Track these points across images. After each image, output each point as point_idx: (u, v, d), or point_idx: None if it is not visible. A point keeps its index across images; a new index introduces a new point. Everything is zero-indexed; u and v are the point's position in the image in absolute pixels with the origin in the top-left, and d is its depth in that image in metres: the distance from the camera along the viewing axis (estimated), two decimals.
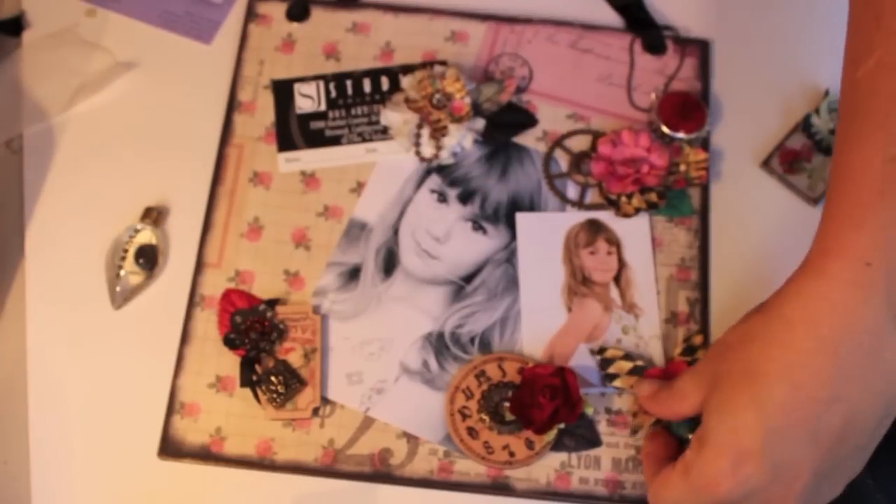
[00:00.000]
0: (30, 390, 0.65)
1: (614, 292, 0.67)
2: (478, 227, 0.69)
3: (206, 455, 0.63)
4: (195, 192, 0.70)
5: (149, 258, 0.67)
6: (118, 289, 0.67)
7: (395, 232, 0.69)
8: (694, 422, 0.63)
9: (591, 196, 0.70)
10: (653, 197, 0.68)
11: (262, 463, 0.63)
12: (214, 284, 0.67)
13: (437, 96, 0.69)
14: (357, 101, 0.73)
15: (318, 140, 0.71)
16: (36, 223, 0.69)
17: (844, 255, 0.51)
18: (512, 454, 0.63)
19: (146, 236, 0.68)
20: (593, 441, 0.64)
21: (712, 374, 0.55)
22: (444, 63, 0.73)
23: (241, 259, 0.68)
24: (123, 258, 0.67)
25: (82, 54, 0.73)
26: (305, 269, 0.68)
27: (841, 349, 0.50)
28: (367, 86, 0.73)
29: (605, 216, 0.69)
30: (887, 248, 0.50)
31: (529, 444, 0.63)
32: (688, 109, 0.71)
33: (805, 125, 0.71)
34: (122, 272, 0.67)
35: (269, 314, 0.65)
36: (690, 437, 0.63)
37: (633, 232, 0.69)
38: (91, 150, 0.71)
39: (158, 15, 0.75)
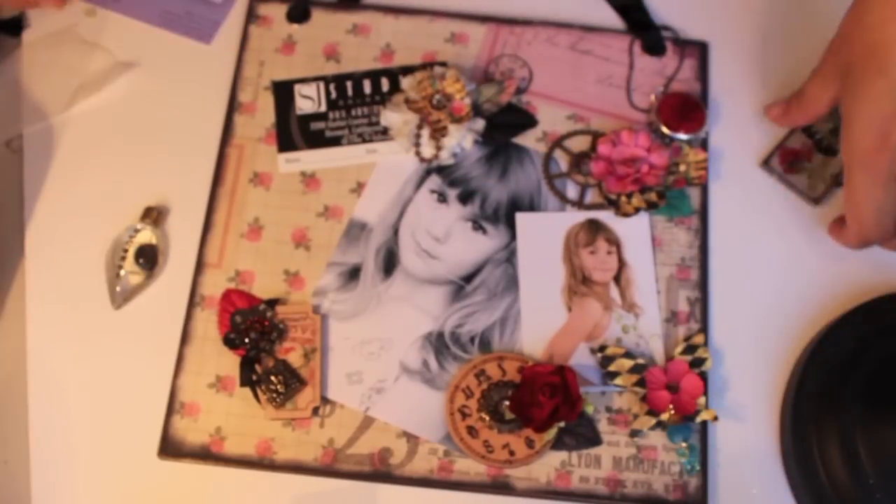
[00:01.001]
0: (30, 390, 0.65)
1: (614, 292, 0.67)
2: (478, 227, 0.69)
3: (206, 455, 0.63)
4: (195, 192, 0.70)
5: (149, 258, 0.67)
6: (118, 289, 0.67)
7: (395, 232, 0.69)
8: (688, 429, 0.64)
9: (591, 196, 0.70)
10: (652, 196, 0.68)
11: (261, 463, 0.63)
12: (214, 284, 0.67)
13: (437, 97, 0.69)
14: (357, 101, 0.73)
15: (318, 141, 0.71)
16: (36, 223, 0.69)
17: None
18: (512, 453, 0.63)
19: (146, 236, 0.68)
20: (593, 440, 0.64)
21: (837, 67, 0.59)
22: (444, 64, 0.73)
23: (241, 259, 0.68)
24: (123, 258, 0.67)
25: (82, 54, 0.73)
26: (305, 269, 0.68)
27: None
28: (367, 87, 0.73)
29: (605, 216, 0.69)
30: None
31: (529, 443, 0.63)
32: (687, 110, 0.71)
33: (805, 125, 0.71)
34: (122, 272, 0.67)
35: (269, 314, 0.65)
36: (684, 444, 0.63)
37: (633, 231, 0.69)
38: (91, 150, 0.71)
39: (158, 15, 0.75)
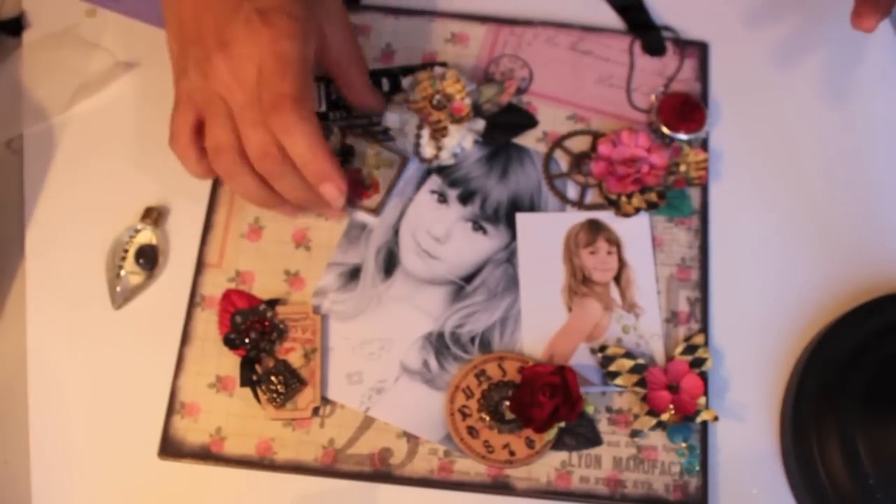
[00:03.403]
0: (30, 390, 0.65)
1: (615, 292, 0.67)
2: (478, 227, 0.69)
3: (206, 455, 0.63)
4: (196, 192, 0.70)
5: (149, 258, 0.67)
6: (118, 289, 0.67)
7: (396, 232, 0.69)
8: (689, 429, 0.64)
9: (591, 196, 0.70)
10: (653, 197, 0.68)
11: (262, 463, 0.63)
12: (215, 284, 0.67)
13: (438, 97, 0.69)
14: None
15: None
16: (36, 223, 0.69)
17: None
18: (512, 453, 0.63)
19: (146, 236, 0.68)
20: (594, 440, 0.64)
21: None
22: (444, 64, 0.73)
23: (241, 259, 0.68)
24: (123, 258, 0.67)
25: (82, 54, 0.73)
26: (306, 269, 0.68)
27: None
28: None
29: (605, 216, 0.69)
30: None
31: (530, 443, 0.63)
32: (687, 110, 0.71)
33: None
34: (123, 272, 0.67)
35: (269, 314, 0.65)
36: (684, 445, 0.63)
37: (634, 232, 0.69)
38: (91, 150, 0.71)
39: (158, 15, 0.74)
